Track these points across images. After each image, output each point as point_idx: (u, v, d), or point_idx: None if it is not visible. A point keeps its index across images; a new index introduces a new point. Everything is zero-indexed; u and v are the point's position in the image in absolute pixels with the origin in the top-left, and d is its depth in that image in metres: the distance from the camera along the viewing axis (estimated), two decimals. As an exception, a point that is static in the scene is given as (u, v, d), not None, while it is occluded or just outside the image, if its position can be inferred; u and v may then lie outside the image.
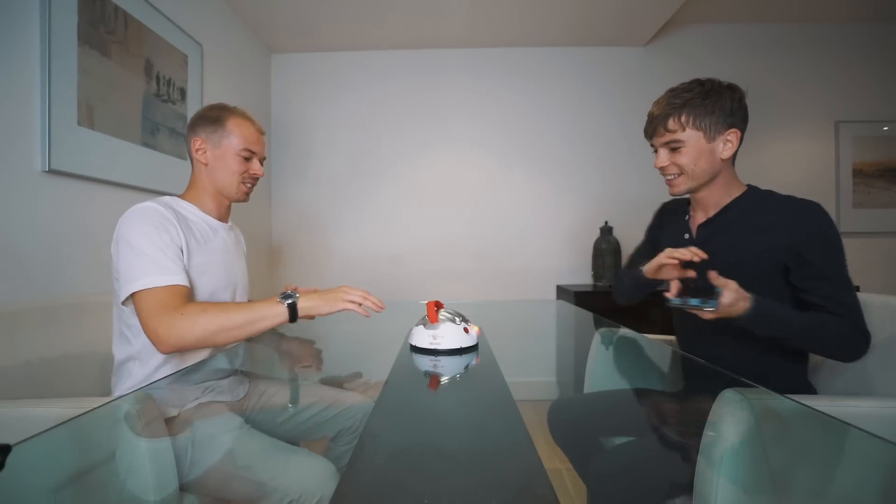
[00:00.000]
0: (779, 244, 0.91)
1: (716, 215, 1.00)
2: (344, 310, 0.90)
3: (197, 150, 1.03)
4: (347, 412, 0.73)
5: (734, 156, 0.97)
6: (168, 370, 0.92)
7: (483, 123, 2.83)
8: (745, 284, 0.89)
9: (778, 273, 0.93)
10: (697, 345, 1.06)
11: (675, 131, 0.94)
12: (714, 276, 0.87)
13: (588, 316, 1.55)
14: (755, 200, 0.97)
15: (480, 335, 0.99)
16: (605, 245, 2.55)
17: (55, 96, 1.26)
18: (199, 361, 0.93)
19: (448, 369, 0.83)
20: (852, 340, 0.87)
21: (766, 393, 0.65)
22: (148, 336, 0.84)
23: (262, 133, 1.09)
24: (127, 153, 1.56)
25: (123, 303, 0.88)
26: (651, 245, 1.23)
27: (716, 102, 0.92)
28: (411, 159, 2.84)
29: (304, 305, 0.89)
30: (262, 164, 1.09)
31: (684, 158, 0.95)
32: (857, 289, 0.96)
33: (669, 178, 1.00)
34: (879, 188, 2.76)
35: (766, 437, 0.59)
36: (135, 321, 0.91)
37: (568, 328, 1.43)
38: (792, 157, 2.79)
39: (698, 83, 0.94)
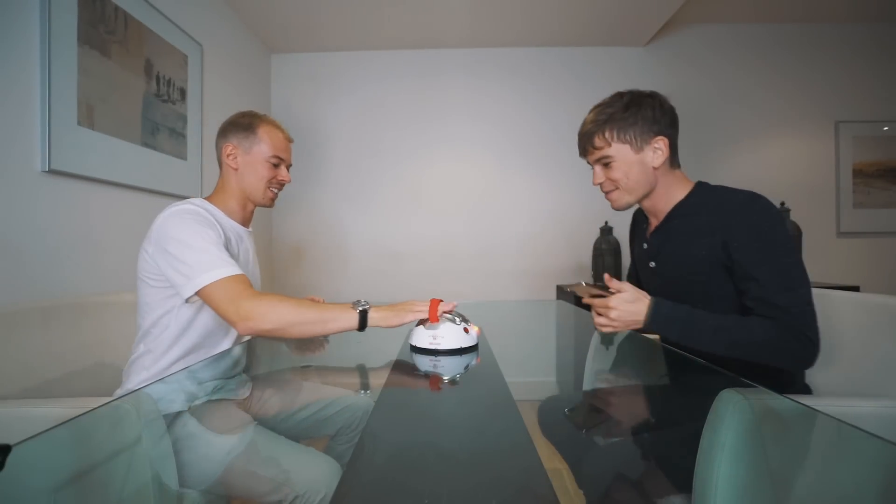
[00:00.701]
0: (715, 245, 0.87)
1: (662, 222, 0.99)
2: (414, 320, 0.93)
3: (228, 156, 1.07)
4: (347, 410, 0.74)
5: (673, 161, 0.96)
6: (178, 367, 0.95)
7: (484, 123, 2.84)
8: (697, 292, 0.89)
9: (726, 277, 0.88)
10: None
11: (601, 147, 0.95)
12: (608, 279, 0.90)
13: (588, 316, 1.55)
14: (697, 201, 0.94)
15: (480, 335, 0.99)
16: (605, 245, 2.55)
17: (55, 96, 1.26)
18: (205, 360, 0.94)
19: (448, 369, 0.83)
20: (785, 345, 0.80)
21: (766, 393, 0.65)
22: (228, 318, 0.87)
23: (290, 141, 1.14)
24: (127, 153, 1.56)
25: (188, 299, 0.91)
26: (635, 263, 1.22)
27: (637, 113, 0.91)
28: (412, 159, 2.84)
29: (374, 316, 0.91)
30: (288, 170, 1.14)
31: (616, 173, 0.95)
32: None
33: (607, 193, 1.01)
34: (879, 188, 2.77)
35: (766, 437, 0.59)
36: (167, 318, 0.96)
37: (568, 328, 1.43)
38: (792, 157, 2.79)
39: (619, 96, 0.94)
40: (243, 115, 1.11)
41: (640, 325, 0.90)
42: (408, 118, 2.84)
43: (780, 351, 0.81)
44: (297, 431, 0.75)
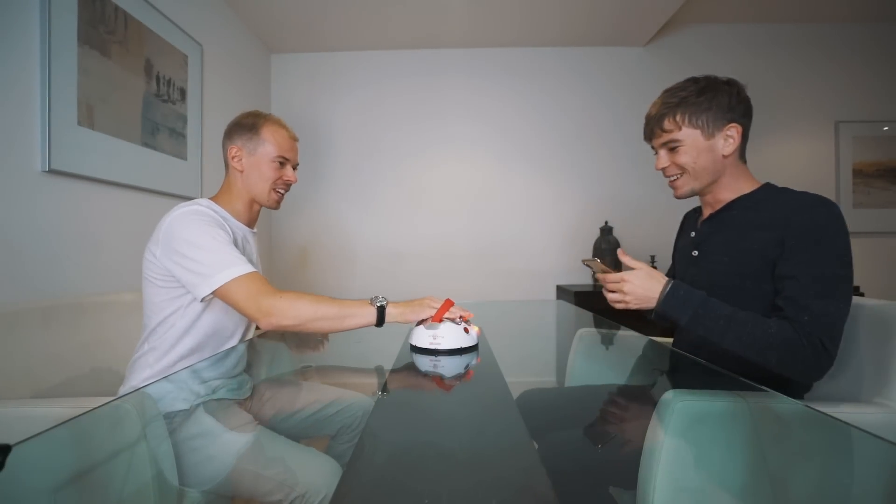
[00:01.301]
0: (772, 240, 0.84)
1: (718, 211, 0.96)
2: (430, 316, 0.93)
3: (233, 158, 1.07)
4: (348, 410, 0.73)
5: (741, 152, 0.93)
6: (182, 365, 0.96)
7: (483, 123, 2.83)
8: (735, 286, 0.87)
9: (770, 276, 0.86)
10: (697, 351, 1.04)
11: (671, 131, 0.91)
12: (621, 254, 0.89)
13: (588, 316, 1.55)
14: (762, 197, 0.91)
15: (480, 335, 1.00)
16: (605, 245, 2.55)
17: (55, 96, 1.26)
18: (208, 359, 0.94)
19: (448, 369, 0.83)
20: (799, 350, 0.76)
21: (713, 394, 0.67)
22: (249, 314, 0.89)
23: (295, 140, 1.13)
24: (127, 153, 1.56)
25: (203, 298, 0.92)
26: (676, 258, 1.18)
27: (712, 98, 0.89)
28: (412, 159, 2.84)
29: (392, 312, 0.92)
30: (295, 170, 1.12)
31: (684, 158, 0.92)
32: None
33: (672, 179, 0.97)
34: (879, 188, 2.76)
35: (766, 437, 0.59)
36: (174, 317, 0.97)
37: (568, 328, 1.43)
38: (792, 157, 2.79)
39: (693, 81, 0.92)
40: (247, 115, 1.10)
41: (652, 304, 0.87)
42: (408, 118, 2.84)
43: (792, 355, 0.76)
44: (297, 431, 0.75)
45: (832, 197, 2.76)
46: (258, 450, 0.60)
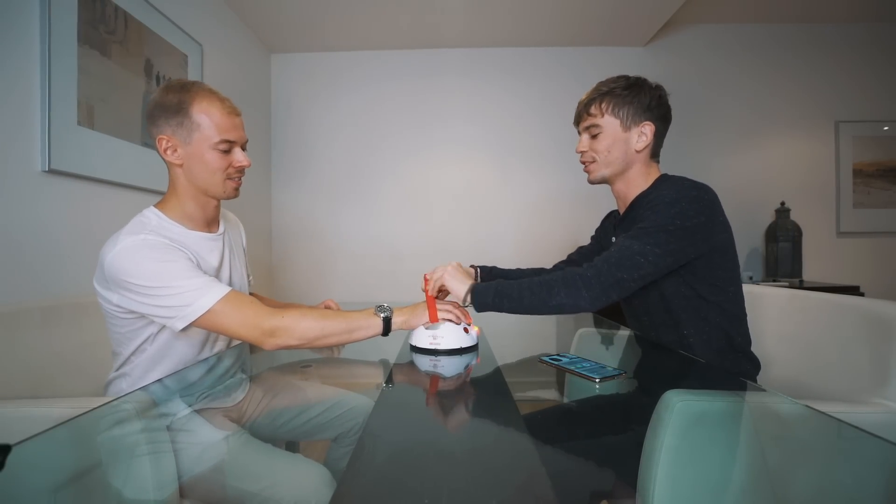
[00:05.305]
0: None
1: (625, 213, 1.03)
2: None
3: (165, 150, 0.88)
4: (349, 413, 0.73)
5: (654, 151, 1.00)
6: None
7: (483, 123, 2.83)
8: (660, 281, 0.92)
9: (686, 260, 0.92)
10: (653, 333, 1.04)
11: (595, 116, 0.98)
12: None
13: (588, 316, 1.55)
14: (652, 189, 0.97)
15: (480, 335, 1.00)
16: (605, 245, 2.55)
17: (55, 96, 1.26)
18: (196, 365, 0.93)
19: (448, 369, 0.83)
20: (577, 277, 0.87)
21: (709, 394, 0.67)
22: (251, 339, 0.83)
23: (237, 115, 0.90)
24: (127, 153, 1.56)
25: (183, 330, 0.84)
26: (598, 245, 1.24)
27: (635, 95, 0.96)
28: (411, 159, 2.84)
29: (397, 320, 0.91)
30: (244, 149, 0.92)
31: (600, 144, 0.99)
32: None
33: (585, 164, 1.04)
34: (879, 188, 2.76)
35: (766, 437, 0.59)
36: (145, 344, 0.90)
37: (568, 328, 1.43)
38: (792, 157, 2.79)
39: (625, 77, 0.99)
40: (169, 88, 0.86)
41: (462, 287, 0.96)
42: (407, 118, 2.84)
43: (573, 281, 0.86)
44: (296, 435, 0.74)
45: (832, 196, 2.77)
46: (248, 460, 0.58)
